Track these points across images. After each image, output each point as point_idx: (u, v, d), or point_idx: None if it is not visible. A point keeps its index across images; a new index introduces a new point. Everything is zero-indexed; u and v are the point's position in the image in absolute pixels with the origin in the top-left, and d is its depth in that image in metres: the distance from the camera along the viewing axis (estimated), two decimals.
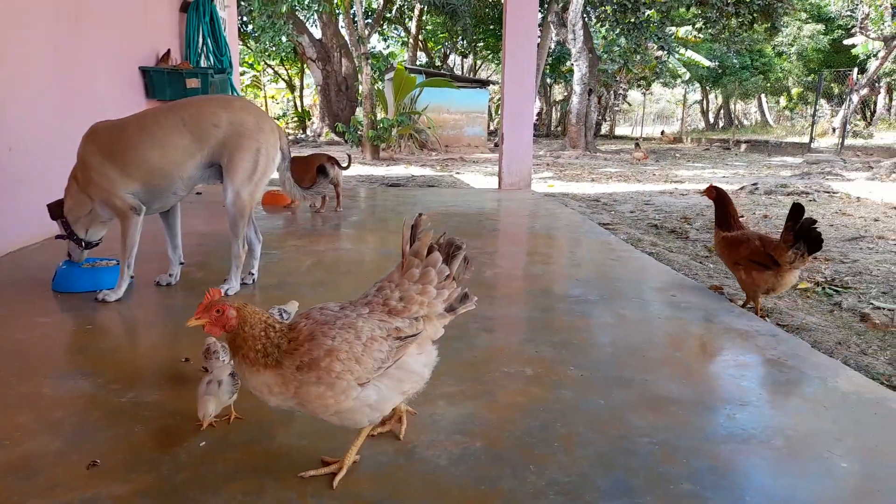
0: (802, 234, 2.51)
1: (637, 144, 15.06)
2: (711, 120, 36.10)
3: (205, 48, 5.89)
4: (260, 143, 2.68)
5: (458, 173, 10.88)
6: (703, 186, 8.78)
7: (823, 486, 1.42)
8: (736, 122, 34.31)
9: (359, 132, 13.01)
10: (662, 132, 22.13)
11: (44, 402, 1.74)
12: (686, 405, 1.79)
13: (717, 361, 2.15)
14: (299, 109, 26.47)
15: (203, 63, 5.98)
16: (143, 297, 2.75)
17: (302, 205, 5.29)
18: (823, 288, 3.94)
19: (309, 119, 25.80)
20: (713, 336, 2.39)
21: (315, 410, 1.30)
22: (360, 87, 13.16)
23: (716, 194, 2.99)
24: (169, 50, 5.50)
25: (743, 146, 17.26)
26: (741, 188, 8.51)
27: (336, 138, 17.11)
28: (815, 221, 2.52)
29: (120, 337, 2.30)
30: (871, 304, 3.69)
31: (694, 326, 2.48)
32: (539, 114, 29.57)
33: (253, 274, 2.95)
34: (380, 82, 15.33)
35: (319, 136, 18.98)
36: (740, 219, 3.02)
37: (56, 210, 2.75)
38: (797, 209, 2.56)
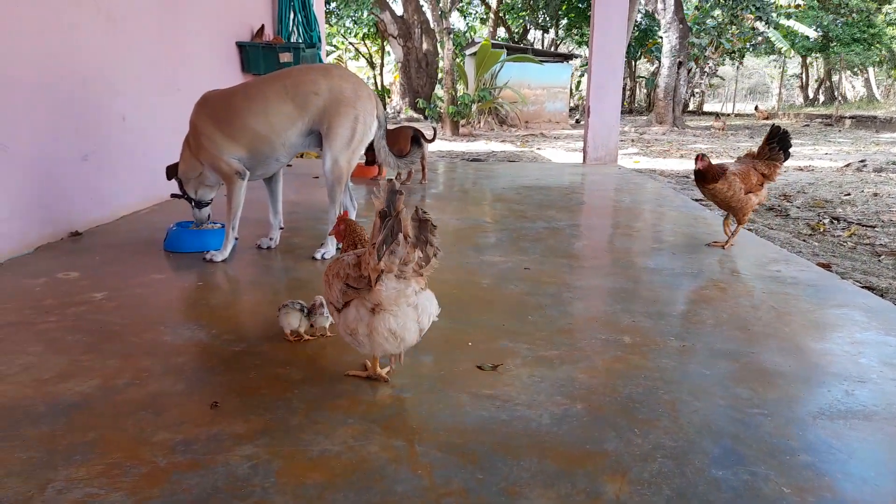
0: (781, 143, 3.11)
1: (717, 116, 14.35)
2: (811, 95, 33.81)
3: (295, 24, 6.04)
4: (357, 111, 2.73)
5: (539, 149, 10.72)
6: (805, 164, 8.28)
7: None
8: (839, 97, 31.99)
9: (439, 108, 13.03)
10: (756, 107, 20.90)
11: (166, 349, 1.86)
12: (797, 379, 1.71)
13: (830, 337, 2.04)
14: (379, 87, 26.77)
15: (294, 38, 6.14)
16: (246, 258, 2.89)
17: (388, 175, 5.38)
18: None
19: (389, 96, 26.07)
20: (825, 311, 2.26)
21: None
22: (441, 63, 13.15)
23: (707, 164, 3.06)
24: (263, 25, 5.68)
25: (847, 122, 16.09)
26: (846, 165, 7.96)
27: (416, 115, 17.22)
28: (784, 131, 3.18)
29: (228, 294, 2.43)
30: None
31: (802, 301, 2.36)
32: (623, 89, 28.63)
33: None
34: (460, 57, 15.26)
35: (399, 112, 19.15)
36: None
37: (172, 171, 2.93)
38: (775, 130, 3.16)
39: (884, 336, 2.03)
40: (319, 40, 6.53)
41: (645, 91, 27.31)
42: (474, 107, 12.94)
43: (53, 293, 2.35)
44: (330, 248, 2.87)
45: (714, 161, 3.16)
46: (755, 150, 3.21)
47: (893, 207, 5.42)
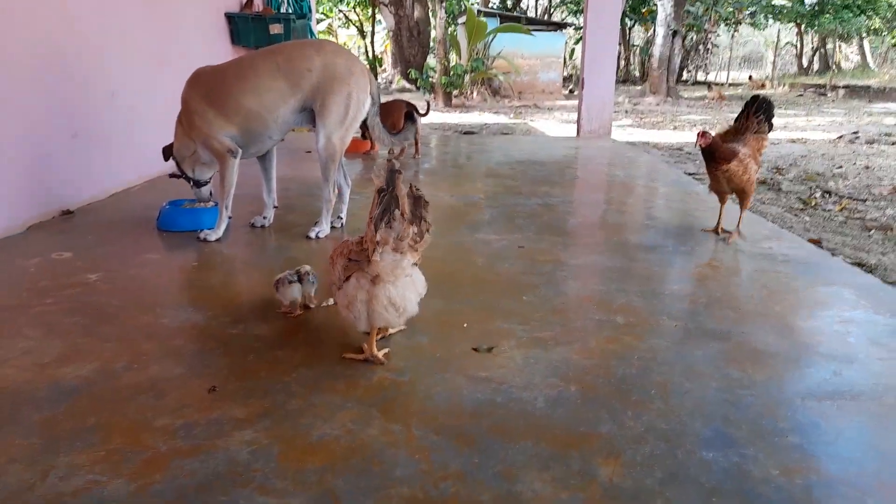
0: (766, 114, 2.88)
1: (709, 87, 14.27)
2: (805, 63, 33.57)
3: None
4: (351, 88, 2.70)
5: (532, 120, 10.65)
6: (798, 136, 8.27)
7: None
8: (833, 66, 31.78)
9: (431, 79, 12.88)
10: (750, 77, 20.78)
11: (163, 332, 1.87)
12: (787, 360, 1.74)
13: (820, 316, 2.07)
14: (370, 56, 26.38)
15: (284, 8, 6.02)
16: (240, 237, 2.88)
17: (381, 151, 5.34)
18: None
19: (380, 65, 25.69)
20: (815, 289, 2.29)
21: None
22: (433, 33, 12.95)
23: (711, 141, 2.78)
24: None
25: (841, 92, 16.04)
26: (839, 137, 7.96)
27: (408, 86, 17.02)
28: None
29: (223, 275, 2.43)
30: None
31: (793, 280, 2.39)
32: (617, 57, 28.34)
33: (341, 218, 3.03)
34: (453, 26, 15.04)
35: (391, 83, 18.90)
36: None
37: (167, 151, 2.90)
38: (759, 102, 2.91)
39: (872, 315, 2.06)
40: (310, 10, 6.42)
41: (638, 60, 27.06)
42: (467, 77, 12.80)
43: (48, 274, 2.35)
44: (324, 227, 2.87)
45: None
46: (733, 123, 2.99)
47: (884, 180, 5.44)
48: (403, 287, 1.57)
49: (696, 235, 2.97)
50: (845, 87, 16.16)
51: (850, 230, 3.96)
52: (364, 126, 5.14)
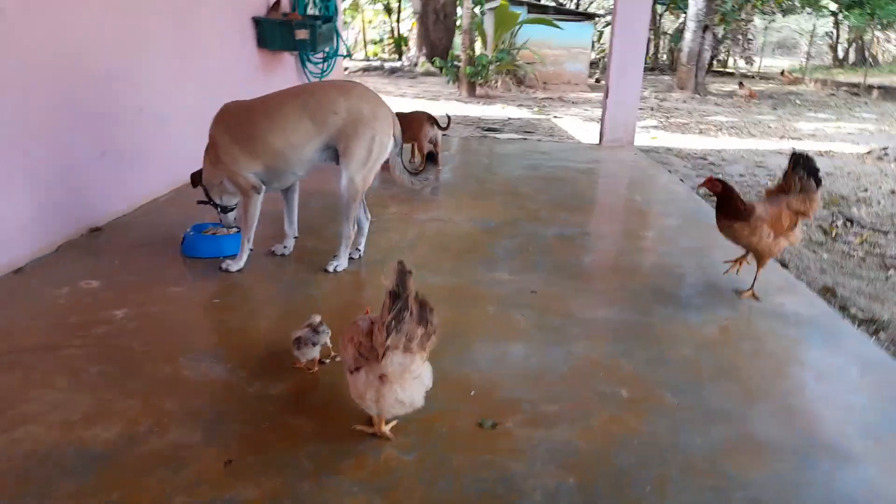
0: (808, 170, 2.74)
1: (741, 84, 13.96)
2: (841, 55, 32.68)
3: None
4: (375, 131, 2.75)
5: (556, 117, 10.57)
6: (825, 146, 8.12)
7: None
8: (869, 58, 30.88)
9: (456, 68, 12.78)
10: (783, 72, 20.28)
11: (185, 387, 1.96)
12: (784, 453, 1.78)
13: (822, 397, 2.10)
14: (395, 34, 26.19)
15: (310, 10, 6.03)
16: (261, 267, 2.95)
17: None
18: None
19: (406, 44, 25.55)
20: (821, 363, 2.32)
21: None
22: (459, 21, 12.83)
23: (721, 188, 2.74)
24: (279, 1, 5.58)
25: (875, 92, 15.64)
26: (868, 152, 7.81)
27: (432, 69, 16.91)
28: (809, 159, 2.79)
29: (242, 315, 2.50)
30: None
31: (800, 348, 2.42)
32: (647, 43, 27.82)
33: (360, 250, 3.10)
34: (478, 17, 14.86)
35: (416, 65, 18.78)
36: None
37: (196, 178, 2.97)
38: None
39: (871, 401, 2.08)
40: (336, 11, 6.42)
41: (669, 47, 26.55)
42: (492, 67, 12.68)
43: (77, 308, 2.45)
44: (342, 261, 2.94)
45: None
46: (782, 181, 2.82)
47: None
48: (411, 388, 1.63)
49: (709, 283, 2.99)
50: (880, 87, 15.74)
51: (868, 271, 3.93)
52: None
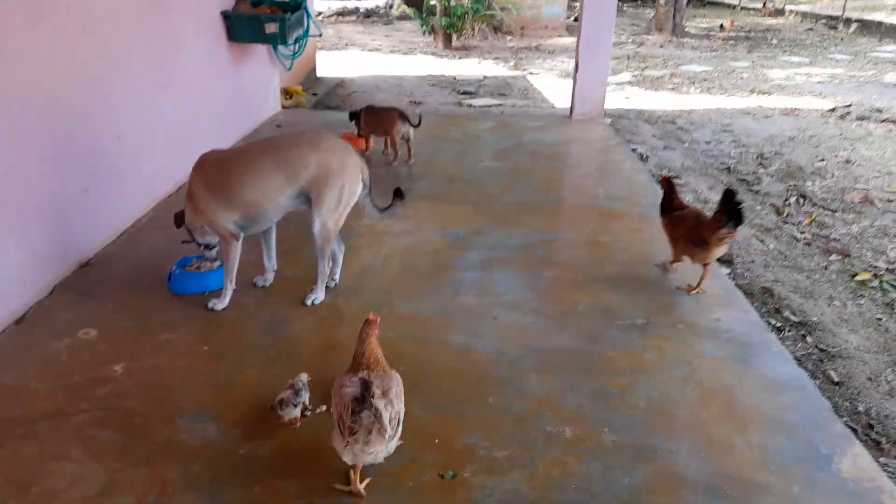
0: (732, 214, 3.03)
1: (721, 26, 13.85)
2: None
3: None
4: (344, 181, 2.95)
5: (532, 73, 10.57)
6: (793, 101, 8.26)
7: None
8: None
9: (431, 21, 12.60)
10: (764, 4, 19.96)
11: (183, 453, 2.25)
12: (700, 491, 2.11)
13: (739, 427, 2.42)
14: None
15: None
16: (244, 302, 3.18)
17: (376, 146, 5.51)
18: (881, 281, 3.98)
19: None
20: (742, 389, 2.64)
21: None
22: None
23: (666, 186, 3.46)
24: None
25: (853, 26, 15.57)
26: (832, 110, 8.00)
27: (407, 10, 16.53)
28: (736, 195, 3.05)
29: (230, 365, 2.74)
30: None
31: (727, 373, 2.73)
32: None
33: (335, 279, 3.34)
34: None
35: (391, 7, 18.34)
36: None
37: (179, 219, 3.16)
38: (729, 195, 3.06)
39: (787, 437, 2.37)
40: None
41: None
42: (468, 18, 12.51)
43: (78, 365, 2.70)
44: (319, 295, 3.19)
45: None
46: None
47: (860, 181, 5.64)
48: (376, 452, 1.93)
49: (656, 300, 3.27)
50: (858, 20, 15.66)
51: (810, 259, 4.24)
52: (358, 123, 5.31)
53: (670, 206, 3.41)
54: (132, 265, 3.55)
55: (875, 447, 2.58)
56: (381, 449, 1.95)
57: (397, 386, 2.07)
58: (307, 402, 2.39)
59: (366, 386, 1.82)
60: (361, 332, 2.10)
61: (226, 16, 5.28)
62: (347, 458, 1.99)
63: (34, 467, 2.18)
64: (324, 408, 2.43)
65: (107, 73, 3.75)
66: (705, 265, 3.24)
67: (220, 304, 3.13)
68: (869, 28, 15.11)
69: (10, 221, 3.02)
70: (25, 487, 2.10)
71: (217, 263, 3.32)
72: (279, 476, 2.16)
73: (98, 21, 3.65)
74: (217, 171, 2.95)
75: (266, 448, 2.28)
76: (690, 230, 3.22)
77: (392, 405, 1.96)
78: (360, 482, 2.08)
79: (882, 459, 2.49)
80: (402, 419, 2.03)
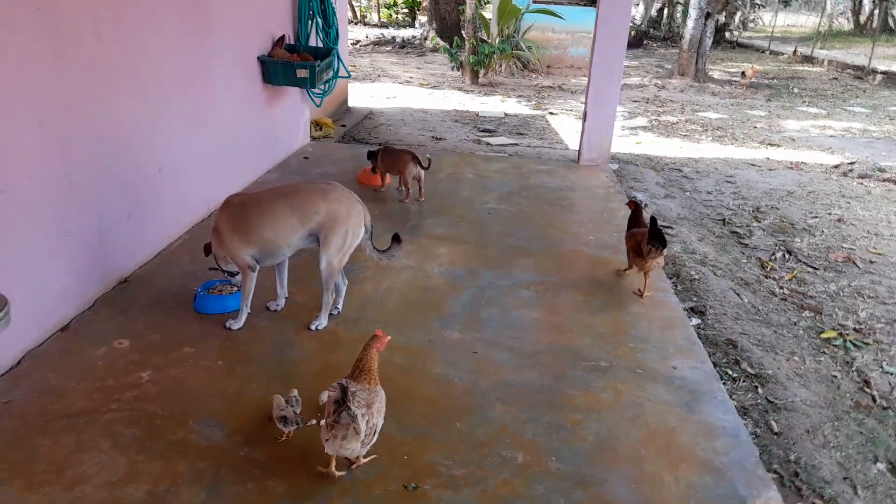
0: (654, 234, 3.94)
1: (743, 74, 14.20)
2: (864, 20, 31.96)
3: (315, 29, 6.46)
4: (349, 226, 3.42)
5: (552, 113, 11.02)
6: (800, 155, 8.55)
7: None
8: (892, 24, 30.19)
9: (460, 57, 13.20)
10: (795, 51, 20.20)
11: (193, 451, 2.68)
12: None
13: (672, 465, 2.77)
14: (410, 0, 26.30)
15: (312, 39, 6.56)
16: (257, 325, 3.63)
17: (392, 184, 5.97)
18: (845, 340, 4.26)
19: (419, 9, 25.72)
20: (682, 432, 2.98)
21: None
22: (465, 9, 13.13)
23: (634, 207, 4.45)
24: (284, 35, 6.11)
25: (878, 77, 15.74)
26: (836, 166, 8.26)
27: (441, 42, 17.20)
28: (657, 223, 4.00)
29: (240, 380, 3.17)
30: (883, 367, 4.03)
31: (672, 417, 3.07)
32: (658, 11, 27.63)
33: (338, 308, 3.78)
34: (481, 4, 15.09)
35: (426, 39, 19.06)
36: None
37: (208, 250, 3.65)
38: (653, 222, 3.98)
39: (712, 478, 2.71)
40: (338, 35, 6.93)
41: (682, 18, 26.32)
42: (494, 56, 13.08)
43: (112, 370, 3.17)
44: (323, 321, 3.63)
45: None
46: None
47: (847, 241, 5.91)
48: (355, 450, 2.37)
49: (623, 344, 3.63)
50: (884, 73, 15.83)
51: (782, 314, 4.54)
52: (374, 162, 5.80)
53: (634, 223, 4.32)
54: (164, 284, 4.04)
55: (796, 493, 2.89)
56: (357, 446, 2.39)
57: (380, 402, 2.50)
58: (297, 415, 2.80)
59: (343, 391, 2.25)
60: (368, 342, 2.59)
61: (262, 61, 5.84)
62: (329, 450, 2.43)
63: (70, 455, 2.63)
64: (313, 422, 2.84)
65: (151, 113, 4.28)
66: (645, 273, 4.14)
67: (237, 324, 3.59)
68: (894, 80, 15.26)
69: (63, 243, 3.53)
70: (62, 470, 2.55)
71: (236, 288, 3.79)
72: (270, 477, 2.57)
73: (149, 73, 4.20)
74: (240, 212, 3.43)
75: (261, 453, 2.70)
76: (637, 244, 4.07)
77: (372, 416, 2.40)
78: (338, 471, 2.54)
79: None
80: (377, 430, 2.46)
